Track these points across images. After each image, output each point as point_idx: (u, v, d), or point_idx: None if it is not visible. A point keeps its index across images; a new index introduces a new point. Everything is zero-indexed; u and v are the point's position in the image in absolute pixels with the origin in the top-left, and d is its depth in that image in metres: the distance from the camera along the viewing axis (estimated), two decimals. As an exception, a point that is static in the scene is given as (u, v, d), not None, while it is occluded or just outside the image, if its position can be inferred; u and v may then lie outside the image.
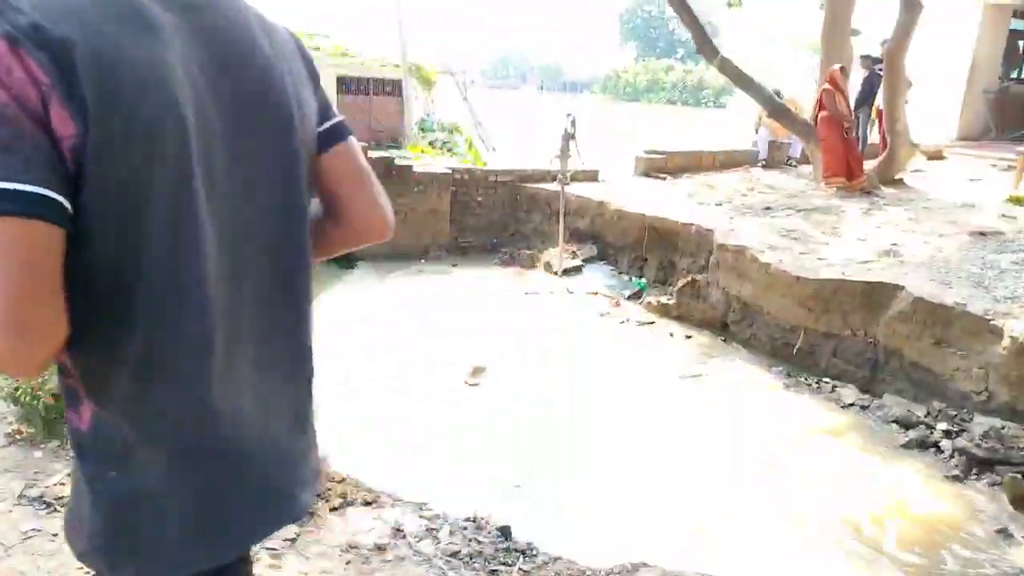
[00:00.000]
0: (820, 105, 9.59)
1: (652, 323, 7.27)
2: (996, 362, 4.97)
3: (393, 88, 16.16)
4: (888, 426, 5.24)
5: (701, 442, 4.92)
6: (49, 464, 2.75)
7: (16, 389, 2.91)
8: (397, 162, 8.80)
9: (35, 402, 2.90)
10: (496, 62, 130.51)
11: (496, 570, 2.69)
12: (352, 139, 1.23)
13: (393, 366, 5.84)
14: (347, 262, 8.39)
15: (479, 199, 9.61)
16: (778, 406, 5.54)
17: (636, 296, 8.16)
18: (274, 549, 2.54)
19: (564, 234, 8.96)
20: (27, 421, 2.89)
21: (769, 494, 4.37)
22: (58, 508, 2.49)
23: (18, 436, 2.84)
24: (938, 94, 13.55)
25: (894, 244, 6.87)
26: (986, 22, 14.05)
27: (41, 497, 2.51)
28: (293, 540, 2.63)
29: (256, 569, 2.40)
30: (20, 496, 2.49)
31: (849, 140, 9.57)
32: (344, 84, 15.92)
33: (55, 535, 2.32)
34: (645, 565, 2.77)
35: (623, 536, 3.76)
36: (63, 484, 2.65)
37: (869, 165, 9.83)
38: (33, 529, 2.32)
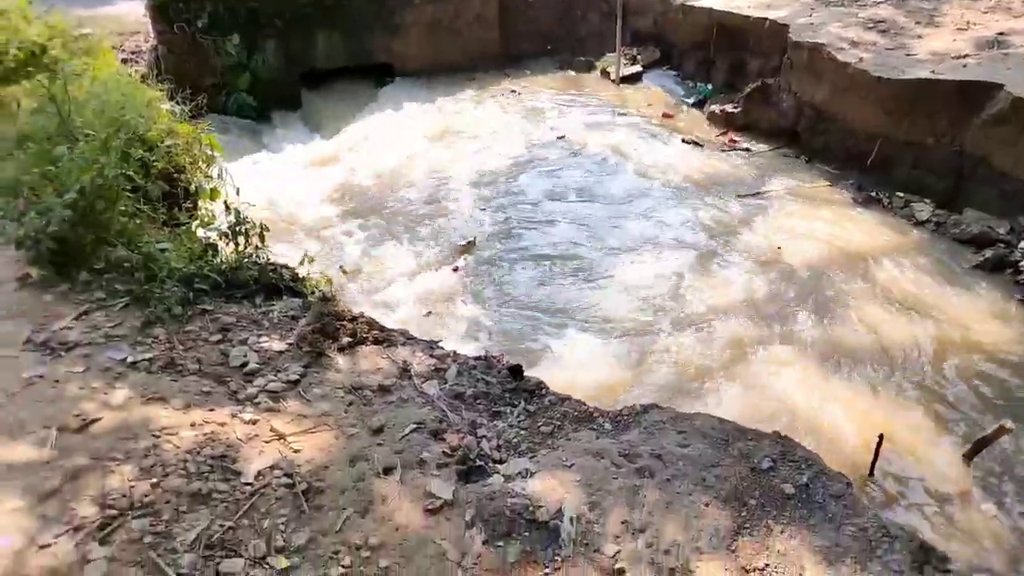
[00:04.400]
0: None
1: (703, 144, 6.71)
2: (1102, 172, 4.36)
3: None
4: (963, 246, 4.78)
5: (749, 271, 4.62)
6: (57, 307, 2.76)
7: (21, 232, 2.89)
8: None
9: (39, 245, 2.87)
10: None
11: (500, 411, 2.62)
12: None
13: (410, 213, 5.54)
14: (380, 78, 7.91)
15: (530, 0, 8.77)
16: (843, 225, 5.11)
17: (700, 104, 7.52)
18: (274, 392, 2.52)
19: (624, 37, 8.17)
20: (35, 264, 2.89)
21: (816, 325, 4.11)
22: (62, 353, 2.52)
23: (28, 280, 2.85)
24: None
25: (1001, 34, 5.91)
26: None
27: (47, 342, 2.54)
28: (296, 382, 2.61)
29: (253, 414, 2.40)
30: (27, 341, 2.52)
31: None
32: None
33: (57, 381, 2.36)
34: (656, 407, 2.65)
35: (646, 376, 3.64)
36: (70, 328, 2.67)
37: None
38: (36, 376, 2.36)
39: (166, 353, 2.62)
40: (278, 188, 5.62)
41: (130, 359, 2.56)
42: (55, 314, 2.74)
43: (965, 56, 5.59)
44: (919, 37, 6.15)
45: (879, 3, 7.14)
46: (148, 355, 2.60)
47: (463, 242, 5.04)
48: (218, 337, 2.80)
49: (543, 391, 2.76)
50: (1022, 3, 6.64)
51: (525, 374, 2.88)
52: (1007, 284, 4.43)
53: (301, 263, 3.40)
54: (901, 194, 5.37)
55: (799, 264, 4.63)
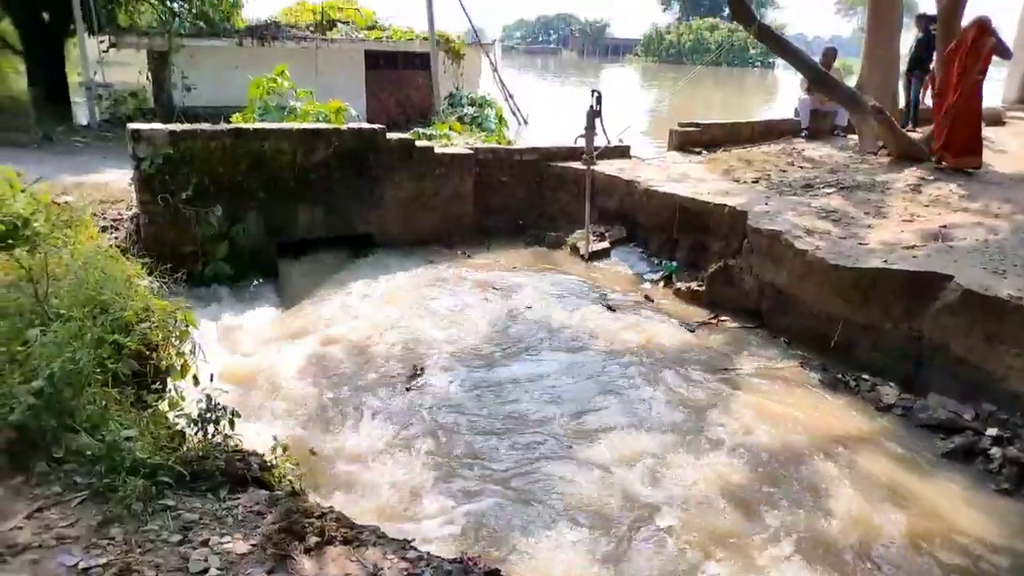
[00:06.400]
0: (965, 60, 8.07)
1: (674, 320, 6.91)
2: (1054, 364, 4.54)
3: (422, 62, 15.83)
4: (931, 432, 4.85)
5: (721, 455, 4.57)
6: (9, 504, 2.61)
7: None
8: (418, 144, 8.50)
9: (-1, 435, 2.75)
10: (538, 26, 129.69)
11: (475, 626, 2.46)
12: None
13: (382, 377, 5.50)
14: (362, 248, 8.17)
15: (503, 179, 9.29)
16: (811, 408, 5.18)
17: (666, 281, 7.81)
18: (233, 607, 2.35)
19: (592, 215, 8.62)
20: (-12, 454, 2.76)
21: (792, 515, 4.04)
22: (9, 559, 2.35)
23: (-23, 470, 2.72)
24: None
25: (943, 227, 6.36)
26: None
27: (-9, 545, 2.37)
28: (258, 593, 2.44)
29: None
30: (-32, 544, 2.35)
31: None
32: (372, 58, 15.65)
33: (-1, 592, 2.18)
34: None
35: (623, 568, 3.50)
36: (20, 528, 2.51)
37: (916, 135, 9.18)
38: (-26, 586, 2.18)
39: (121, 558, 2.45)
40: (251, 359, 5.56)
41: (82, 565, 2.39)
42: (6, 512, 2.58)
43: (913, 247, 5.96)
44: (869, 227, 6.58)
45: (829, 194, 7.70)
46: (102, 560, 2.42)
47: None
48: (179, 538, 2.64)
49: (521, 601, 2.62)
50: (959, 198, 7.22)
51: (502, 579, 2.74)
52: (979, 473, 4.46)
53: (273, 450, 3.31)
54: (867, 377, 5.50)
55: (772, 450, 4.62)
